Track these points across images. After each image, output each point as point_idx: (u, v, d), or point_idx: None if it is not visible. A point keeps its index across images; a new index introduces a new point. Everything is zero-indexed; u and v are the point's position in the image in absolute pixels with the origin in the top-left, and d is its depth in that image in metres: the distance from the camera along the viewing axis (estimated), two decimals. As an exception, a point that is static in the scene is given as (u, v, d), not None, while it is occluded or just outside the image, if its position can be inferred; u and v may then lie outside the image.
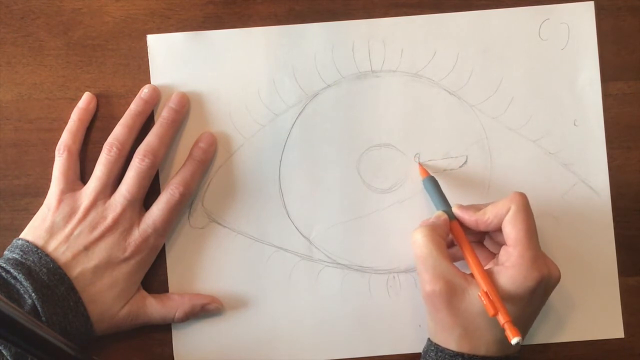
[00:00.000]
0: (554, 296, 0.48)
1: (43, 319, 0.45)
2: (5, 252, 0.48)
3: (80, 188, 0.50)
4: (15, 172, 0.52)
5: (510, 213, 0.46)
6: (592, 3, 0.53)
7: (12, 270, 0.46)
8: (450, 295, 0.45)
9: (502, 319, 0.43)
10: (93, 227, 0.49)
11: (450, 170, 0.53)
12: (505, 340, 0.44)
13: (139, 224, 0.49)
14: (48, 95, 0.53)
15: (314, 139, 0.53)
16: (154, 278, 0.52)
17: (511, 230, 0.46)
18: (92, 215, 0.49)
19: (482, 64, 0.53)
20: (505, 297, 0.44)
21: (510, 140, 0.53)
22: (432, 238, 0.46)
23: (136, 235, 0.49)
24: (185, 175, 0.51)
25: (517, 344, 0.43)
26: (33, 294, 0.45)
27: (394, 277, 0.52)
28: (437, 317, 0.46)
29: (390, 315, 0.52)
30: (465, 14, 0.53)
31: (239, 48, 0.53)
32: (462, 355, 0.45)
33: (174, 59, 0.53)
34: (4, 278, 0.46)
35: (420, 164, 0.52)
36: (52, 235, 0.48)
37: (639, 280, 0.53)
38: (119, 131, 0.50)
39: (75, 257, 0.48)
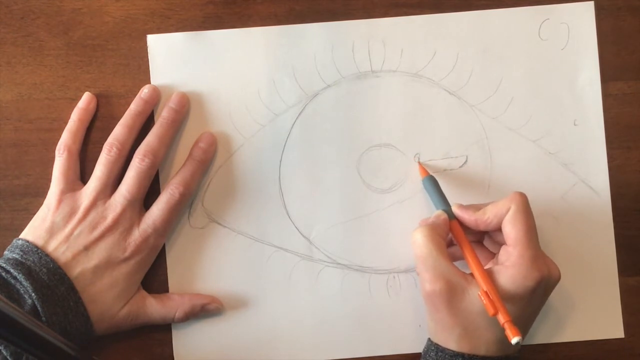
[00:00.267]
0: (554, 296, 0.48)
1: (43, 319, 0.45)
2: (5, 252, 0.48)
3: (80, 188, 0.50)
4: (15, 172, 0.52)
5: (510, 213, 0.46)
6: (592, 3, 0.53)
7: (12, 270, 0.46)
8: (450, 294, 0.45)
9: (502, 318, 0.43)
10: (93, 227, 0.49)
11: (450, 170, 0.53)
12: (505, 340, 0.44)
13: (139, 224, 0.49)
14: (48, 95, 0.53)
15: (314, 139, 0.53)
16: (154, 278, 0.52)
17: (511, 230, 0.46)
18: (92, 215, 0.49)
19: (482, 64, 0.53)
20: (505, 297, 0.44)
21: (510, 140, 0.53)
22: (432, 238, 0.46)
23: (136, 235, 0.49)
24: (185, 175, 0.51)
25: (517, 343, 0.43)
26: (33, 294, 0.45)
27: (394, 277, 0.52)
28: (437, 316, 0.46)
29: (390, 315, 0.52)
30: (465, 14, 0.53)
31: (238, 48, 0.53)
32: (462, 355, 0.45)
33: (174, 59, 0.53)
34: (4, 278, 0.46)
35: (420, 164, 0.52)
36: (52, 235, 0.48)
37: (639, 280, 0.53)
38: (119, 131, 0.50)
39: (75, 257, 0.48)
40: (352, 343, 0.52)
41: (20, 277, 0.46)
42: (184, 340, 0.52)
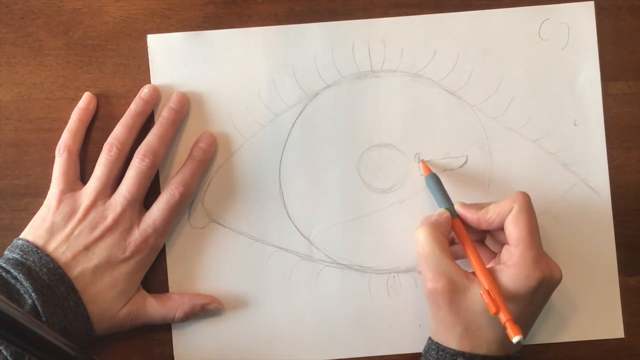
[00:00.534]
0: (554, 296, 0.48)
1: (43, 319, 0.45)
2: (6, 252, 0.48)
3: (80, 188, 0.50)
4: (15, 172, 0.52)
5: (513, 212, 0.46)
6: (592, 3, 0.53)
7: (12, 270, 0.46)
8: (452, 293, 0.45)
9: (503, 317, 0.43)
10: (93, 227, 0.49)
11: (451, 170, 0.53)
12: (506, 340, 0.44)
13: (139, 224, 0.49)
14: (48, 95, 0.53)
15: (314, 139, 0.53)
16: (154, 278, 0.52)
17: (513, 230, 0.46)
18: (92, 215, 0.49)
19: (482, 64, 0.53)
20: (506, 296, 0.44)
21: (510, 140, 0.53)
22: (434, 236, 0.46)
23: (136, 235, 0.49)
24: (185, 175, 0.51)
25: (519, 342, 0.43)
26: (33, 294, 0.45)
27: (394, 277, 0.52)
28: (438, 315, 0.46)
29: (390, 315, 0.52)
30: (465, 14, 0.53)
31: (238, 48, 0.53)
32: (463, 354, 0.45)
33: (174, 59, 0.53)
34: (4, 278, 0.46)
35: (423, 162, 0.52)
36: (52, 235, 0.48)
37: (639, 280, 0.53)
38: (119, 131, 0.50)
39: (76, 257, 0.48)
40: (352, 343, 0.52)
41: (20, 277, 0.46)
42: (184, 340, 0.52)
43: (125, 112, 0.51)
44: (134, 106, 0.51)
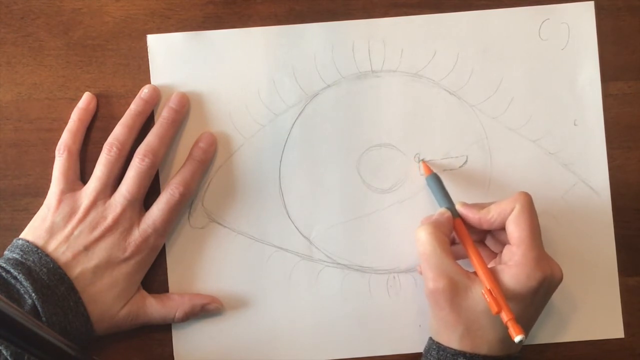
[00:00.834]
0: (554, 296, 0.48)
1: (43, 319, 0.45)
2: (6, 252, 0.48)
3: (80, 188, 0.50)
4: (15, 172, 0.52)
5: (515, 212, 0.46)
6: (592, 3, 0.53)
7: (12, 270, 0.46)
8: (454, 293, 0.45)
9: (505, 316, 0.43)
10: (93, 227, 0.49)
11: (451, 170, 0.53)
12: (507, 340, 0.44)
13: (139, 224, 0.49)
14: (48, 95, 0.53)
15: (314, 139, 0.53)
16: (154, 278, 0.52)
17: (515, 230, 0.46)
18: (92, 215, 0.49)
19: (482, 64, 0.53)
20: (508, 296, 0.44)
21: (510, 140, 0.53)
22: (435, 236, 0.46)
23: (136, 235, 0.49)
24: (185, 175, 0.51)
25: (520, 341, 0.43)
26: (33, 294, 0.45)
27: (394, 277, 0.52)
28: (439, 315, 0.46)
29: (390, 315, 0.52)
30: (465, 14, 0.53)
31: (238, 48, 0.53)
32: (463, 354, 0.45)
33: (174, 59, 0.53)
34: (4, 278, 0.46)
35: (424, 162, 0.52)
36: (52, 235, 0.48)
37: (639, 280, 0.53)
38: (119, 131, 0.50)
39: (76, 257, 0.48)
40: (352, 343, 0.52)
41: (20, 277, 0.46)
42: (184, 340, 0.52)
43: (125, 112, 0.51)
44: (134, 106, 0.51)
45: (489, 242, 0.51)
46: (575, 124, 0.53)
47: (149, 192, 0.51)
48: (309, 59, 0.53)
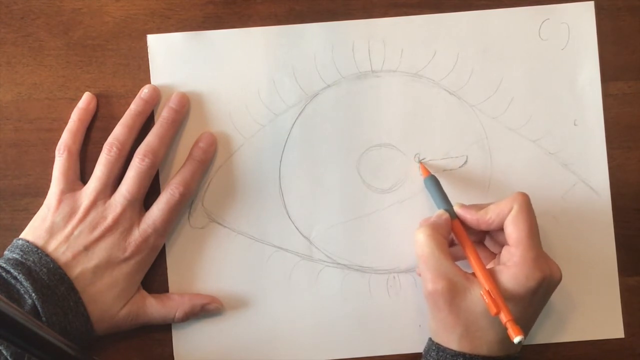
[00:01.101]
0: (554, 296, 0.48)
1: (43, 319, 0.45)
2: (6, 252, 0.48)
3: (80, 188, 0.50)
4: (15, 172, 0.52)
5: (513, 213, 0.46)
6: (592, 3, 0.53)
7: (12, 270, 0.46)
8: (452, 294, 0.45)
9: (504, 317, 0.43)
10: (93, 227, 0.49)
11: (450, 170, 0.53)
12: (506, 340, 0.44)
13: (139, 224, 0.49)
14: (48, 95, 0.53)
15: (314, 139, 0.53)
16: (154, 278, 0.52)
17: (513, 230, 0.46)
18: (92, 215, 0.49)
19: (482, 64, 0.53)
20: (507, 297, 0.44)
21: (510, 140, 0.53)
22: (434, 237, 0.46)
23: (136, 235, 0.49)
24: (185, 175, 0.51)
25: (520, 342, 0.43)
26: (33, 294, 0.45)
27: (394, 277, 0.52)
28: (438, 316, 0.46)
29: (390, 315, 0.52)
30: (465, 14, 0.53)
31: (238, 48, 0.53)
32: (463, 355, 0.45)
33: (174, 59, 0.53)
34: (4, 278, 0.46)
35: (422, 163, 0.52)
36: (52, 236, 0.48)
37: (639, 280, 0.53)
38: (119, 131, 0.50)
39: (76, 257, 0.48)
40: (352, 343, 0.52)
41: (20, 277, 0.46)
42: (184, 340, 0.52)
43: (125, 112, 0.51)
44: (134, 106, 0.51)
45: (487, 243, 0.51)
46: (575, 124, 0.53)
47: (149, 192, 0.51)
48: (309, 59, 0.53)
